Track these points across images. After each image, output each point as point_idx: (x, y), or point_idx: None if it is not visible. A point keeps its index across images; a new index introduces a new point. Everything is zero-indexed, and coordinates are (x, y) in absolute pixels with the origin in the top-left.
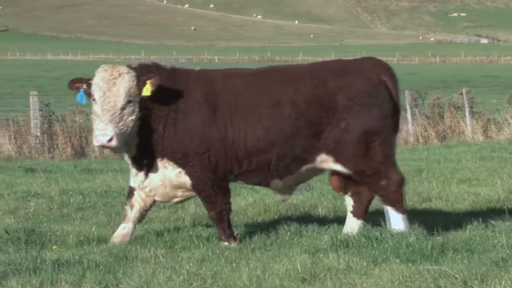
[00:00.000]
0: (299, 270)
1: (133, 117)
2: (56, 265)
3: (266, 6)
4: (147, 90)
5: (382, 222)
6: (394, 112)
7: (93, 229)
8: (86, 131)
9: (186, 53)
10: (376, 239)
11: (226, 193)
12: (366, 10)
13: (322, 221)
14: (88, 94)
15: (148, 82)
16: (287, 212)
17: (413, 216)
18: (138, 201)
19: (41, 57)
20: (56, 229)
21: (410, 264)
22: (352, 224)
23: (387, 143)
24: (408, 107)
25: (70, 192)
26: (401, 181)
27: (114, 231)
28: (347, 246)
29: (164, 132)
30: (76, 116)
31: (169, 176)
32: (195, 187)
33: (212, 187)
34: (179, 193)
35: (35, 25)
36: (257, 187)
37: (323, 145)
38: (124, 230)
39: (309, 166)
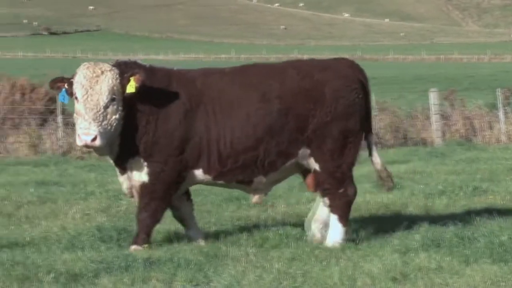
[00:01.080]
0: (390, 270)
1: (117, 115)
2: (147, 263)
3: (356, 4)
4: (131, 87)
5: (453, 225)
6: (367, 115)
7: (184, 228)
8: None
9: (276, 52)
10: (468, 238)
11: (169, 202)
12: (457, 8)
13: (413, 220)
14: (70, 93)
15: (132, 78)
16: (378, 212)
17: (506, 215)
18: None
19: (132, 57)
20: None
21: (502, 264)
22: (324, 213)
23: (358, 148)
24: (500, 105)
25: None
26: (355, 195)
27: (203, 230)
28: (438, 245)
29: (144, 131)
30: None
31: (135, 177)
32: (149, 187)
33: (164, 193)
34: None
35: (127, 25)
36: None
37: (306, 138)
38: (195, 233)
39: (293, 161)
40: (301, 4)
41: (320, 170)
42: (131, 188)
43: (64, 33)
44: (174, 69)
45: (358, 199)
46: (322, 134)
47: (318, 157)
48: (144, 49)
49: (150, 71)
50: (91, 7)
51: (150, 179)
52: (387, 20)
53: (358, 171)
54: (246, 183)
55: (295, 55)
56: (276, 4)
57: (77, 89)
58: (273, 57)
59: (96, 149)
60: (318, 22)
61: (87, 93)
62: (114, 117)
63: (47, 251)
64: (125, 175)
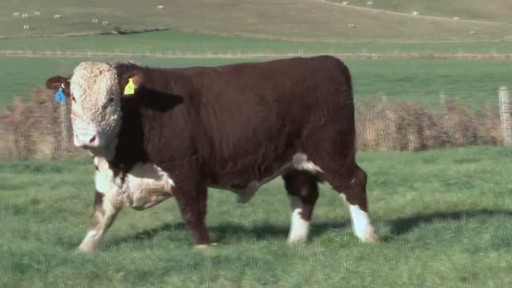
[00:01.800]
0: (459, 269)
1: (115, 116)
2: (215, 262)
3: (425, 2)
4: (130, 88)
5: None
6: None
7: (252, 226)
8: None
9: (344, 50)
10: None
11: (206, 195)
12: None
13: (483, 219)
14: (67, 94)
15: (131, 80)
16: (447, 210)
17: None
18: (109, 207)
19: (201, 56)
20: (216, 226)
21: None
22: (301, 226)
23: (354, 141)
24: None
25: None
26: (366, 179)
27: (272, 229)
28: (508, 244)
29: (150, 135)
30: None
31: (146, 181)
32: (178, 190)
33: (196, 190)
34: (153, 197)
35: (196, 24)
36: None
37: (301, 143)
38: (95, 237)
39: (287, 166)
40: (370, 3)
41: (324, 172)
42: (123, 191)
43: (134, 32)
44: (168, 69)
45: (427, 198)
46: (317, 138)
47: (317, 160)
48: (212, 48)
49: (147, 73)
50: (160, 7)
51: (174, 182)
52: (456, 18)
53: (427, 170)
54: (240, 187)
55: (363, 54)
56: (345, 2)
57: (75, 90)
58: (341, 56)
59: (94, 150)
60: (387, 21)
61: (85, 93)
62: (112, 117)
63: (116, 249)
64: (118, 179)
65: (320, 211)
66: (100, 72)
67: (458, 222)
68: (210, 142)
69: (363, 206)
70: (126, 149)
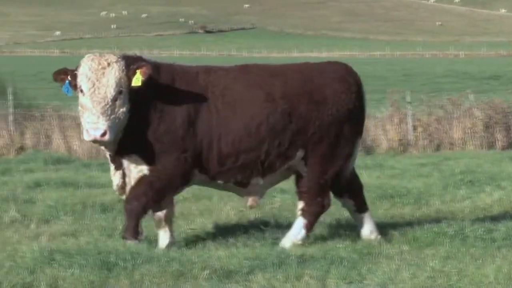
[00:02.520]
0: None
1: (124, 109)
2: (300, 260)
3: None
4: (137, 80)
5: None
6: (362, 119)
7: (336, 225)
8: None
9: (430, 48)
10: None
11: (163, 199)
12: None
13: None
14: (74, 86)
15: (139, 71)
16: None
17: None
18: None
19: (286, 55)
20: None
21: None
22: (365, 221)
23: (345, 156)
24: None
25: None
26: (329, 207)
27: (357, 227)
28: None
29: (147, 130)
30: None
31: (133, 174)
32: (149, 179)
33: (165, 189)
34: None
35: (281, 22)
36: None
37: (305, 140)
38: (166, 233)
39: (290, 163)
40: (456, 0)
41: (307, 174)
42: (123, 185)
43: (220, 31)
44: (176, 65)
45: None
46: (320, 136)
47: (310, 160)
48: (298, 46)
49: (154, 67)
50: (246, 5)
51: (149, 172)
52: None
53: None
54: (243, 185)
55: (450, 52)
56: (432, 0)
57: (83, 82)
58: (428, 54)
59: (104, 144)
60: (474, 18)
61: (93, 86)
62: (121, 110)
63: (202, 247)
64: (119, 172)
65: (406, 210)
66: (108, 64)
67: None
68: (209, 139)
69: (308, 226)
70: (126, 141)
